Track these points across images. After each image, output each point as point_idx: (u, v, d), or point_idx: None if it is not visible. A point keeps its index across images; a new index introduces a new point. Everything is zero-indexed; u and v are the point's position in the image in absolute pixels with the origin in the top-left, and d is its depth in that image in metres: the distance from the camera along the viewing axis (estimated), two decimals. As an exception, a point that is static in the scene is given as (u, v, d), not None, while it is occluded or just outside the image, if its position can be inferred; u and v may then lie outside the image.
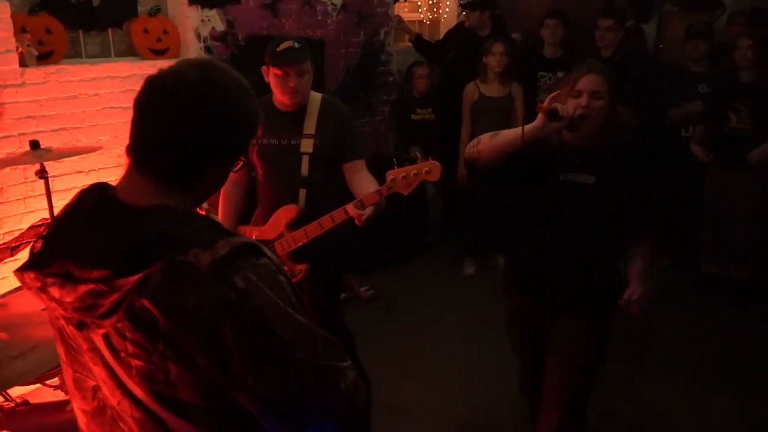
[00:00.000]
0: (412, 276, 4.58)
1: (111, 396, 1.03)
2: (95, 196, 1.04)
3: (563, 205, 2.15)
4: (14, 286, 2.66)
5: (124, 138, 3.29)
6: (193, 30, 3.86)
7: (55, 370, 2.24)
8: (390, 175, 2.39)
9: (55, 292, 0.98)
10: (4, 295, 2.57)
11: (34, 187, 3.16)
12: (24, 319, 2.14)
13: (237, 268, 0.95)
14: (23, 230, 3.23)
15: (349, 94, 4.78)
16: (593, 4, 4.75)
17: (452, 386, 3.25)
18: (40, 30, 3.24)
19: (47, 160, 2.58)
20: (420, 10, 5.84)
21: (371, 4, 5.02)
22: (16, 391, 2.32)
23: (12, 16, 3.05)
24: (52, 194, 2.83)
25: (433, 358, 3.52)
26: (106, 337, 0.98)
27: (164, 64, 3.65)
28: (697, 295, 4.16)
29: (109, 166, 3.43)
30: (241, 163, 1.11)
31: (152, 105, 1.02)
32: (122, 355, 0.98)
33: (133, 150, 1.04)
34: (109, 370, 1.01)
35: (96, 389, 1.07)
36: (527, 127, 2.04)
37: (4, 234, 3.16)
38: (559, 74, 4.45)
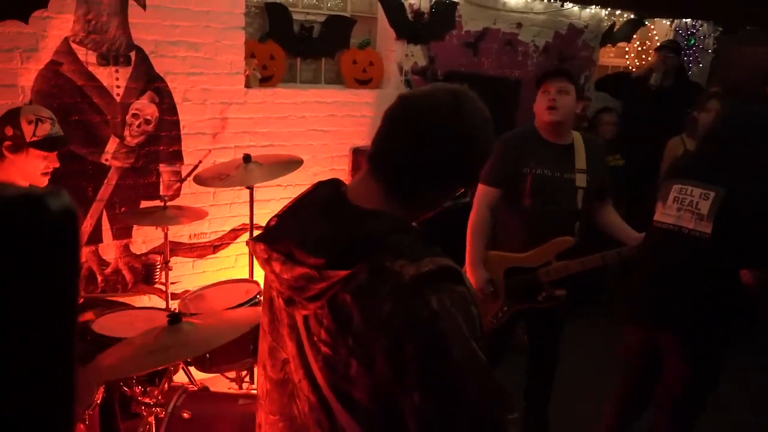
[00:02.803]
0: (580, 329, 4.31)
1: (295, 372, 1.09)
2: (328, 189, 1.12)
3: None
4: (212, 281, 2.95)
5: (322, 158, 3.50)
6: (397, 63, 4.05)
7: (235, 364, 2.44)
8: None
9: (276, 266, 1.05)
10: (204, 288, 2.85)
11: (239, 195, 3.50)
12: (218, 313, 2.36)
13: (436, 288, 0.97)
14: (226, 232, 3.59)
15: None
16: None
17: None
18: (266, 56, 3.62)
19: (255, 175, 2.85)
20: (627, 56, 5.57)
21: (575, 47, 4.90)
22: (199, 376, 2.57)
23: (245, 43, 3.45)
24: (254, 203, 3.12)
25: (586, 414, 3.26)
26: (305, 318, 1.05)
27: (365, 93, 3.85)
28: None
29: (305, 183, 3.69)
30: (461, 191, 1.15)
31: (401, 122, 1.08)
32: (315, 339, 1.03)
33: (372, 158, 1.10)
34: (300, 348, 1.07)
35: (285, 362, 1.13)
36: None
37: (210, 233, 3.54)
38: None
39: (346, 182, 1.15)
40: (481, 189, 2.68)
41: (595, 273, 4.57)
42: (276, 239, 1.08)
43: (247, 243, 1.14)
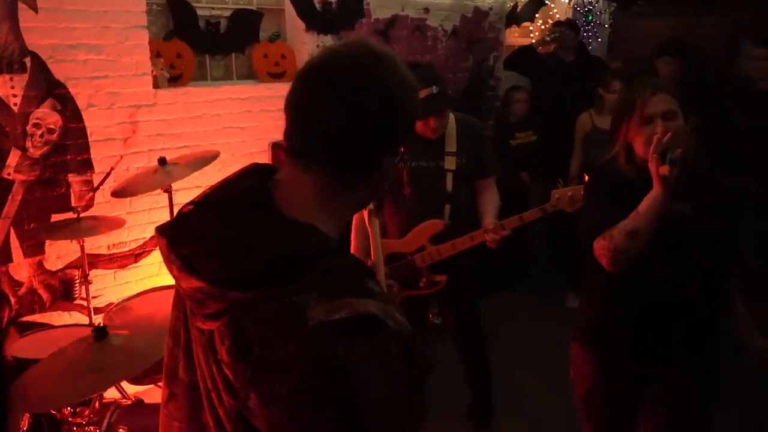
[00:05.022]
0: (512, 306, 4.48)
1: (206, 380, 0.94)
2: (253, 184, 0.97)
3: (662, 242, 1.82)
4: (136, 291, 2.86)
5: (241, 156, 3.46)
6: (309, 54, 4.02)
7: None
8: (555, 194, 2.58)
9: (174, 270, 0.92)
10: (128, 299, 2.76)
11: (158, 200, 3.39)
12: (145, 324, 2.30)
13: (345, 337, 0.82)
14: (146, 239, 3.48)
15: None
16: (719, 29, 4.48)
17: (550, 421, 3.12)
18: (172, 54, 3.51)
19: (174, 176, 2.77)
20: (531, 35, 5.77)
21: (482, 29, 5.03)
22: (132, 390, 2.49)
23: (149, 42, 3.32)
24: (173, 206, 3.03)
25: (527, 390, 3.40)
26: (210, 332, 0.91)
27: (280, 86, 3.81)
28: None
29: (226, 182, 3.63)
30: (398, 158, 1.01)
31: (309, 98, 0.95)
32: (218, 356, 0.89)
33: (291, 143, 0.97)
34: (207, 357, 0.93)
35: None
36: (652, 204, 1.77)
37: (130, 242, 3.42)
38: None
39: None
40: None
41: (522, 249, 4.76)
42: (179, 237, 0.93)
43: (155, 229, 0.99)
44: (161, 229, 0.96)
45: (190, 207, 0.96)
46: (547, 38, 4.77)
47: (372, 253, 1.60)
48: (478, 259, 2.77)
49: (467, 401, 3.13)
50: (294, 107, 0.96)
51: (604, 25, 5.87)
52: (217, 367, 0.89)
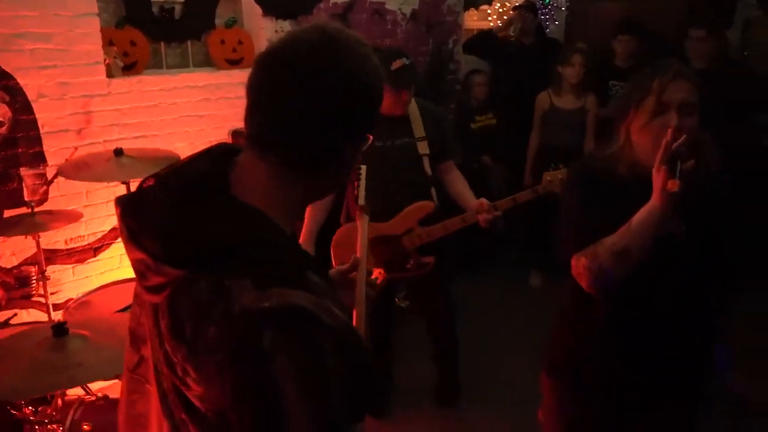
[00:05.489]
0: (476, 286, 4.53)
1: (155, 352, 0.95)
2: (211, 165, 0.97)
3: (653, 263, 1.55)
4: (97, 286, 2.80)
5: (200, 144, 3.40)
6: (267, 40, 3.96)
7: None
8: (547, 176, 2.58)
9: (123, 240, 0.94)
10: (88, 293, 2.70)
11: (116, 191, 3.32)
12: (106, 319, 2.25)
13: (273, 325, 0.82)
14: (105, 232, 3.40)
15: (417, 103, 4.80)
16: (672, 11, 4.58)
17: (506, 402, 3.19)
18: (125, 42, 3.41)
19: (132, 173, 2.72)
20: (489, 19, 5.79)
21: (440, 12, 5.02)
22: (96, 386, 2.44)
23: (101, 30, 3.22)
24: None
25: (489, 372, 3.46)
26: (155, 306, 0.92)
27: (238, 73, 3.75)
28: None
29: (185, 172, 3.56)
30: (368, 143, 1.00)
31: (268, 83, 0.94)
32: (160, 330, 0.90)
33: (249, 129, 0.96)
34: (153, 329, 0.94)
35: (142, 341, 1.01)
36: (649, 221, 1.48)
37: (88, 235, 3.34)
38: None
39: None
40: None
41: (488, 232, 4.82)
42: (130, 209, 0.93)
43: (115, 199, 0.99)
44: (119, 199, 0.97)
45: (151, 182, 0.96)
46: (512, 33, 4.80)
47: (357, 249, 1.60)
48: (457, 240, 2.83)
49: (433, 383, 3.17)
50: (253, 93, 0.95)
51: (561, 8, 5.93)
52: (159, 340, 0.90)
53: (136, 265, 0.92)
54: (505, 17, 5.31)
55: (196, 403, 0.87)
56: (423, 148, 2.68)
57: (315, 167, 0.96)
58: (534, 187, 2.65)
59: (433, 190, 2.72)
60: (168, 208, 0.90)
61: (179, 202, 0.91)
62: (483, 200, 2.63)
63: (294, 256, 0.94)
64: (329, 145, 0.95)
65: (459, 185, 2.80)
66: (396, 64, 2.48)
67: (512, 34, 4.79)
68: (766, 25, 4.77)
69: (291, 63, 0.91)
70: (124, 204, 0.95)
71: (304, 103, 0.91)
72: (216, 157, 0.98)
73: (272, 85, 0.93)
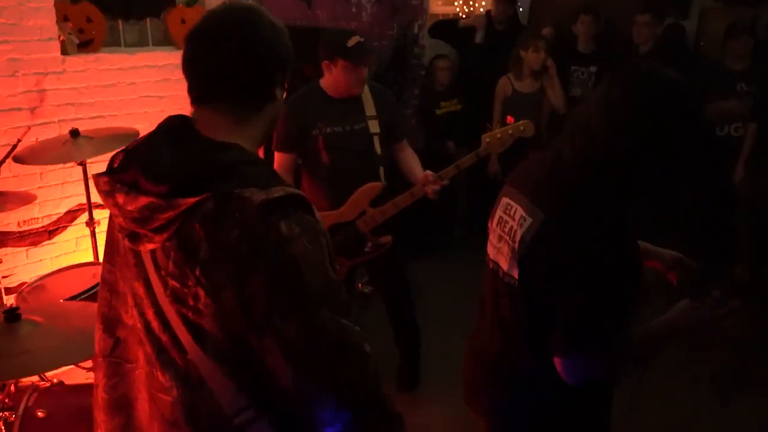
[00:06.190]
0: (436, 268, 4.56)
1: (146, 313, 1.07)
2: (176, 121, 1.10)
3: None
4: (52, 269, 2.73)
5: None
6: (229, 20, 3.89)
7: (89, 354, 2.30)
8: (486, 138, 2.62)
9: (120, 197, 1.02)
10: (43, 277, 2.63)
11: (71, 173, 3.23)
12: (61, 305, 2.20)
13: (285, 215, 0.99)
14: (61, 214, 3.31)
15: (381, 87, 4.79)
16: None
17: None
18: (81, 18, 3.30)
19: (89, 152, 2.64)
20: (456, 3, 5.79)
21: (406, -4, 5.00)
22: (50, 372, 2.38)
23: (54, 5, 3.11)
24: (89, 180, 2.89)
25: (453, 351, 3.50)
26: (153, 253, 1.04)
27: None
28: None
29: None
30: (285, 86, 1.18)
31: (201, 46, 1.11)
32: (163, 273, 1.02)
33: (196, 92, 1.11)
34: (148, 287, 1.06)
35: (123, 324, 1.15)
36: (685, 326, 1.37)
37: (43, 218, 3.25)
38: (593, 69, 4.39)
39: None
40: (277, 156, 2.74)
41: (445, 213, 4.84)
42: (121, 169, 1.05)
43: (93, 176, 1.12)
44: (99, 173, 1.08)
45: (122, 154, 1.07)
46: (480, 32, 4.83)
47: None
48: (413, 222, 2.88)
49: (395, 365, 3.19)
50: (189, 64, 1.11)
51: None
52: (163, 284, 1.03)
53: (138, 214, 1.00)
54: (473, 7, 5.33)
55: (207, 327, 1.00)
56: (374, 126, 2.70)
57: (257, 109, 1.13)
58: (475, 151, 2.66)
59: (381, 170, 2.73)
60: (161, 154, 1.03)
61: (168, 147, 1.04)
62: (428, 172, 2.65)
63: (273, 170, 1.13)
64: (263, 90, 1.13)
65: (410, 162, 2.82)
66: (352, 41, 2.53)
67: (478, 42, 4.84)
68: (721, 16, 4.88)
69: (212, 31, 1.10)
70: (109, 170, 1.07)
71: (233, 60, 1.08)
72: (175, 119, 1.11)
73: (204, 51, 1.10)
